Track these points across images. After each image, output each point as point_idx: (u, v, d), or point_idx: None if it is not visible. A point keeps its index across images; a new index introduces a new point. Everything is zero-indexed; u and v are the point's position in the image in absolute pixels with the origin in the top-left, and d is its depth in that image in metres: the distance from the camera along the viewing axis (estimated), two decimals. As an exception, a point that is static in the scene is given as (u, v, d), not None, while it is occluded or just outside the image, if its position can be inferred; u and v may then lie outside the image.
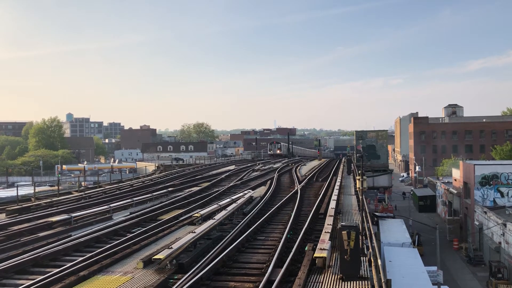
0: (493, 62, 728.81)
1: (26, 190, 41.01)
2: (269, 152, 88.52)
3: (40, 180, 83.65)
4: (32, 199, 25.80)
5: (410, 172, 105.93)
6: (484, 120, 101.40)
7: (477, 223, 41.69)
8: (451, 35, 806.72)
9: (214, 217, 17.50)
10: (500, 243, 35.21)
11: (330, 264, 12.22)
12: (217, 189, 28.96)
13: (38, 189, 36.02)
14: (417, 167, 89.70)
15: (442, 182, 61.34)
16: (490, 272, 34.20)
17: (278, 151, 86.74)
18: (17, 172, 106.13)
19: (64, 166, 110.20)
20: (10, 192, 38.85)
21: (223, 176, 36.86)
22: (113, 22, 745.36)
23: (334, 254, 12.92)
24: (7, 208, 21.35)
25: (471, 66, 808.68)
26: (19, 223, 18.21)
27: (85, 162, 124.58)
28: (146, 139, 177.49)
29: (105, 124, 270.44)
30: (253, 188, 29.57)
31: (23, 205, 22.52)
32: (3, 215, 20.54)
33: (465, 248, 42.52)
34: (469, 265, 39.17)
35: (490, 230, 37.44)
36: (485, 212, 39.23)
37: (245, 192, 26.08)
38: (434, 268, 30.83)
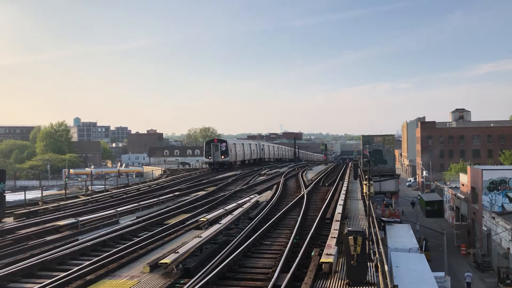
0: (502, 66, 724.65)
1: (33, 194, 41.25)
2: (205, 159, 51.86)
3: (48, 184, 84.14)
4: (40, 203, 25.93)
5: (417, 177, 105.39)
6: (492, 124, 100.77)
7: (485, 228, 41.36)
8: (460, 38, 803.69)
9: (220, 222, 17.50)
10: (508, 248, 34.90)
11: (337, 269, 12.17)
12: (223, 194, 28.96)
13: (45, 193, 36.22)
14: (424, 172, 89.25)
15: (450, 187, 60.96)
16: (498, 278, 33.90)
17: (222, 157, 49.58)
18: (25, 176, 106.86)
19: (71, 170, 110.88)
20: (18, 196, 39.07)
21: (229, 180, 36.84)
22: (121, 26, 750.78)
23: (341, 259, 12.87)
24: (15, 212, 21.47)
25: (480, 69, 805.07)
26: (26, 227, 18.30)
27: (92, 166, 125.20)
28: (153, 143, 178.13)
29: (112, 128, 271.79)
30: (259, 193, 29.54)
31: (31, 209, 22.63)
32: (11, 219, 20.67)
33: (473, 253, 42.17)
34: (477, 271, 38.83)
35: (499, 236, 37.12)
36: (493, 218, 38.93)
37: (251, 196, 26.06)
38: (442, 273, 30.62)
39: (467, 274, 34.92)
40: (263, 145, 70.59)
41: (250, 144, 61.42)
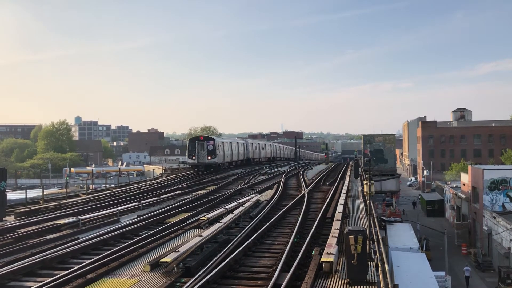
0: (504, 66, 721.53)
1: (34, 193, 41.28)
2: (188, 160, 44.07)
3: (49, 183, 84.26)
4: (41, 201, 25.96)
5: (418, 176, 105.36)
6: (493, 124, 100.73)
7: (486, 228, 41.34)
8: (462, 38, 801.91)
9: (221, 221, 17.50)
10: (509, 248, 34.88)
11: (337, 268, 12.17)
12: (224, 193, 28.97)
13: (46, 191, 36.24)
14: (425, 172, 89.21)
15: (451, 187, 60.93)
16: (499, 278, 33.88)
17: (209, 158, 43.06)
18: (26, 175, 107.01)
19: (72, 169, 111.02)
20: (19, 195, 39.12)
21: (230, 179, 36.84)
22: (122, 25, 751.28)
23: (341, 259, 12.87)
24: (16, 211, 21.52)
25: (481, 69, 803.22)
26: (27, 226, 18.33)
27: (93, 165, 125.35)
28: (154, 142, 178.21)
29: (113, 127, 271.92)
30: (260, 192, 29.53)
31: (32, 208, 22.68)
32: (12, 217, 20.71)
33: (474, 253, 42.17)
34: (478, 270, 38.83)
35: (499, 235, 37.10)
36: (494, 217, 38.90)
37: (252, 195, 26.06)
38: (442, 273, 30.63)
39: (466, 268, 35.93)
40: (252, 143, 62.74)
41: (238, 143, 54.73)
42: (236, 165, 52.96)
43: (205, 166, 43.50)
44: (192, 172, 44.53)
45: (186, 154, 44.26)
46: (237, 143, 54.44)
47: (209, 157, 43.08)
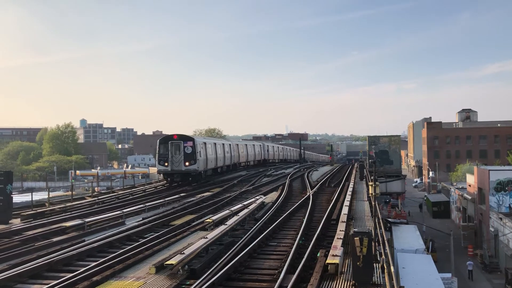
0: (509, 66, 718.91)
1: (40, 195, 41.48)
2: (159, 167, 33.90)
3: (54, 186, 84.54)
4: (46, 204, 26.06)
5: (423, 177, 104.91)
6: (498, 124, 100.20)
7: (492, 229, 41.09)
8: (467, 39, 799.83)
9: (226, 223, 17.50)
10: (516, 250, 34.65)
11: (343, 270, 12.14)
12: (228, 195, 28.97)
13: (52, 194, 36.39)
14: (430, 173, 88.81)
15: (456, 188, 60.62)
16: (506, 280, 33.67)
17: (187, 164, 33.48)
18: (31, 178, 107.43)
19: (78, 172, 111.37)
20: (25, 197, 39.31)
21: (234, 181, 36.85)
22: (126, 27, 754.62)
23: (347, 261, 12.84)
24: (22, 213, 21.61)
25: (487, 70, 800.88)
26: (33, 228, 18.41)
27: (98, 168, 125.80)
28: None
29: (118, 129, 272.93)
30: (265, 194, 29.52)
31: (38, 210, 22.76)
32: (18, 220, 20.80)
33: (480, 255, 41.92)
34: (484, 272, 38.60)
35: (506, 237, 36.86)
36: (501, 219, 38.66)
37: (257, 197, 26.05)
38: (449, 275, 30.48)
39: (468, 263, 36.81)
40: (237, 145, 51.91)
41: (223, 144, 44.81)
42: (221, 172, 44.15)
43: (182, 176, 33.84)
44: (165, 183, 35.42)
45: (156, 159, 34.35)
46: (223, 144, 44.85)
47: (186, 163, 33.43)
